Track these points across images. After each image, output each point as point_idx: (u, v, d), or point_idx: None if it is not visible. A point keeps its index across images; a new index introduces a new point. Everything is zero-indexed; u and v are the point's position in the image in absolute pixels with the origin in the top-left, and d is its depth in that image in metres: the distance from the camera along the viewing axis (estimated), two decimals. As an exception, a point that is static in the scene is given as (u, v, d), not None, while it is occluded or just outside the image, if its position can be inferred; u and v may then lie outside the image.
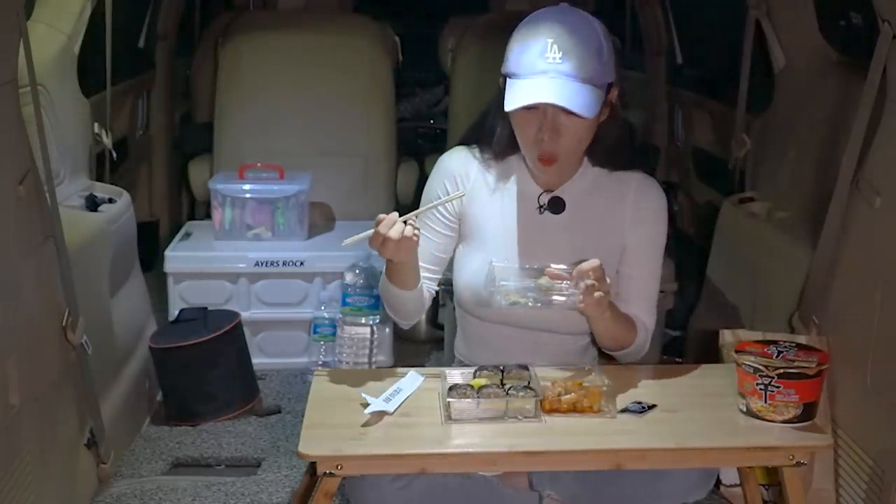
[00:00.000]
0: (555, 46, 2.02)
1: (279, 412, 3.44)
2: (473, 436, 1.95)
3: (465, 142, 2.30)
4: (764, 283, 3.10)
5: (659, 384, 2.16)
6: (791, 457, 1.94)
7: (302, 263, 3.76)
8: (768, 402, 1.97)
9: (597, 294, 2.01)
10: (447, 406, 1.98)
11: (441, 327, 3.54)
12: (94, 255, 2.98)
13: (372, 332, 3.62)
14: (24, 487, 2.26)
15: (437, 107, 6.06)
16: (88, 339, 2.66)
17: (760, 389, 1.97)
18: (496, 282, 2.05)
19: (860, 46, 2.93)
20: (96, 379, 2.76)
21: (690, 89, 4.55)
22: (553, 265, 2.05)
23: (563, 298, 2.03)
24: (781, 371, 1.96)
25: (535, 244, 2.21)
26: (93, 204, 3.20)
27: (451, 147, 2.33)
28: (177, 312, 3.57)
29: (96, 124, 3.49)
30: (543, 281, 2.03)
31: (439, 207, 2.24)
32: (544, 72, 2.02)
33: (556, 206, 2.22)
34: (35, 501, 2.31)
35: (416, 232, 2.03)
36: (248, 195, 3.86)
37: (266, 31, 4.49)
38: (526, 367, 2.12)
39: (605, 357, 2.34)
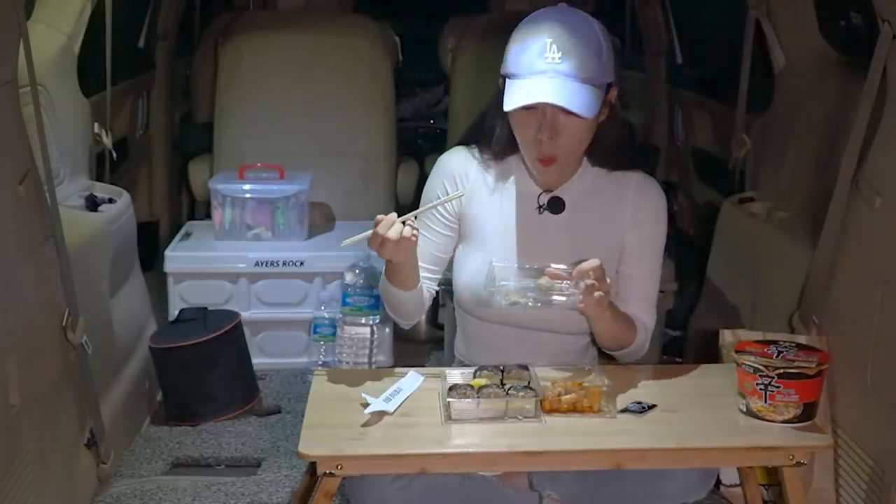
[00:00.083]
0: (554, 46, 2.02)
1: (279, 412, 3.44)
2: (473, 436, 1.95)
3: (465, 142, 2.30)
4: (764, 283, 3.10)
5: (659, 384, 2.16)
6: (791, 457, 1.94)
7: (302, 263, 3.76)
8: (768, 402, 1.97)
9: (597, 294, 2.01)
10: (447, 406, 1.98)
11: (441, 327, 3.54)
12: (94, 255, 2.98)
13: (372, 332, 3.62)
14: (24, 487, 2.26)
15: (437, 107, 6.06)
16: (88, 339, 2.66)
17: (760, 389, 1.97)
18: (496, 282, 2.05)
19: (860, 46, 2.93)
20: (96, 379, 2.76)
21: (690, 89, 4.55)
22: (553, 265, 2.05)
23: (563, 298, 2.03)
24: (781, 371, 1.96)
25: (534, 244, 2.21)
26: (93, 204, 3.20)
27: (451, 147, 2.33)
28: (177, 312, 3.57)
29: (96, 124, 3.49)
30: (543, 281, 2.03)
31: (438, 207, 2.24)
32: (543, 72, 2.02)
33: (556, 206, 2.22)
34: (35, 501, 2.31)
35: (414, 232, 2.02)
36: (248, 195, 3.86)
37: (266, 31, 4.49)
38: (526, 367, 2.12)
39: (605, 357, 2.34)
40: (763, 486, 2.53)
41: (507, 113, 2.08)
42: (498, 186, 2.25)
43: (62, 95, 3.21)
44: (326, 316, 3.68)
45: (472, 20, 4.88)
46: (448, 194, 2.22)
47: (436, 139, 5.58)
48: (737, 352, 2.04)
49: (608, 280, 2.05)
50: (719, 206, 3.58)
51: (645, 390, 2.11)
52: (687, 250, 4.04)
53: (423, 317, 2.61)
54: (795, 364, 1.97)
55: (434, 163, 2.32)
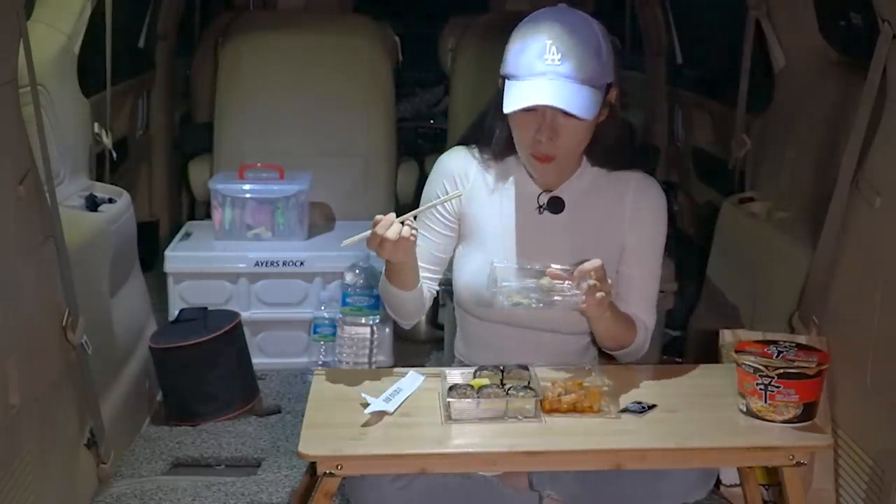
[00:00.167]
0: (553, 48, 2.02)
1: (279, 412, 3.44)
2: (473, 436, 1.95)
3: (464, 142, 2.30)
4: (764, 283, 3.10)
5: (659, 384, 2.16)
6: (791, 457, 1.94)
7: (302, 263, 3.76)
8: (768, 402, 1.97)
9: (598, 294, 2.01)
10: (447, 406, 1.98)
11: (441, 327, 3.54)
12: (94, 255, 2.98)
13: (372, 332, 3.62)
14: (24, 487, 2.26)
15: (437, 107, 6.06)
16: (88, 339, 2.66)
17: (760, 389, 1.97)
18: (498, 282, 2.05)
19: (860, 46, 2.93)
20: (96, 379, 2.76)
21: (690, 89, 4.55)
22: (553, 265, 2.05)
23: (565, 298, 2.02)
24: (781, 371, 1.96)
25: (534, 244, 2.21)
26: (93, 204, 3.20)
27: (451, 147, 2.33)
28: (177, 312, 3.57)
29: (96, 124, 3.49)
30: (545, 281, 2.02)
31: (438, 207, 2.24)
32: (543, 73, 2.02)
33: (556, 206, 2.22)
34: (35, 501, 2.31)
35: (413, 232, 2.02)
36: (248, 195, 3.86)
37: (266, 31, 4.49)
38: (526, 367, 2.12)
39: (605, 357, 2.34)
40: (763, 486, 2.53)
41: (506, 114, 2.08)
42: (498, 186, 2.25)
43: (62, 95, 3.21)
44: (326, 316, 3.68)
45: (472, 20, 4.88)
46: (448, 194, 2.22)
47: (436, 139, 5.58)
48: (737, 352, 2.04)
49: (609, 280, 2.05)
50: (719, 206, 3.58)
51: (645, 390, 2.12)
52: (687, 250, 4.04)
53: (423, 317, 2.61)
54: (795, 364, 1.97)
55: (434, 163, 2.32)
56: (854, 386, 2.45)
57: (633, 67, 4.74)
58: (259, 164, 3.98)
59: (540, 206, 2.23)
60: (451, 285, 2.31)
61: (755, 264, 3.18)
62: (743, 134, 3.59)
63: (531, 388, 2.01)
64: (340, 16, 5.00)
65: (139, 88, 4.46)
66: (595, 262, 2.01)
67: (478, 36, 4.67)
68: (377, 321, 3.63)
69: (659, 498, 2.09)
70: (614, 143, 2.20)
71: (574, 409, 2.00)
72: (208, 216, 4.04)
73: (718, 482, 2.70)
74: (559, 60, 2.01)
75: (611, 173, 2.24)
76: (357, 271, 3.61)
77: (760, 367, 1.96)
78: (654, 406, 2.03)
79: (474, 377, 2.09)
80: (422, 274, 2.22)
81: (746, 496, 2.30)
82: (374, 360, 3.64)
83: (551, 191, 2.23)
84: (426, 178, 2.32)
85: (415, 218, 2.07)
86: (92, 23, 3.40)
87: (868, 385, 2.39)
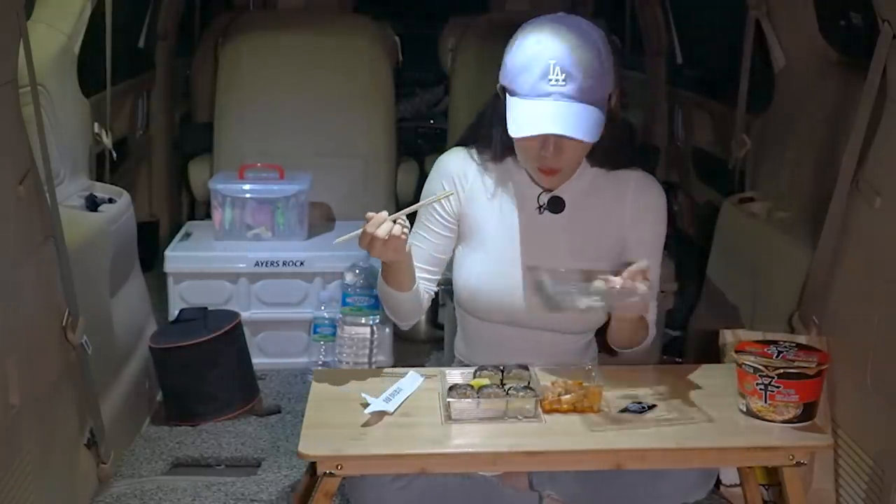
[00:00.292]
0: (557, 68, 2.01)
1: (279, 412, 3.44)
2: (473, 436, 1.95)
3: (463, 142, 2.30)
4: (764, 283, 3.10)
5: (659, 384, 2.16)
6: (791, 457, 1.94)
7: (302, 263, 3.76)
8: (768, 402, 1.97)
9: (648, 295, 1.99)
10: (447, 406, 1.98)
11: (441, 327, 3.54)
12: (94, 255, 2.98)
13: (372, 332, 3.62)
14: (24, 487, 2.26)
15: (437, 107, 6.06)
16: (88, 339, 2.66)
17: (760, 389, 1.97)
18: (553, 287, 2.01)
19: (860, 46, 2.93)
20: (96, 379, 2.76)
21: (690, 89, 4.55)
22: (594, 268, 1.99)
23: (635, 299, 1.96)
24: (781, 371, 1.96)
25: (534, 244, 2.21)
26: (93, 204, 3.20)
27: (451, 147, 2.33)
28: (177, 312, 3.57)
29: (96, 124, 3.49)
30: (599, 284, 1.96)
31: (437, 208, 2.24)
32: (548, 94, 2.01)
33: (556, 205, 2.22)
34: (35, 501, 2.31)
35: (404, 231, 2.02)
36: (248, 195, 3.86)
37: (266, 31, 4.49)
38: (526, 367, 2.12)
39: (606, 356, 2.34)
40: (763, 486, 2.53)
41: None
42: (497, 187, 2.24)
43: (62, 95, 3.21)
44: (326, 316, 3.68)
45: (472, 20, 4.88)
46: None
47: (436, 139, 5.58)
48: (737, 352, 2.04)
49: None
50: (719, 206, 3.58)
51: (645, 390, 2.11)
52: (687, 250, 4.04)
53: (423, 317, 2.61)
54: (795, 364, 1.97)
55: (434, 163, 2.32)
56: (854, 386, 2.45)
57: (633, 67, 4.74)
58: (259, 164, 3.98)
59: (540, 206, 2.23)
60: (451, 285, 2.31)
61: (755, 264, 3.18)
62: (743, 134, 3.59)
63: (531, 388, 2.01)
64: (340, 16, 5.00)
65: (139, 88, 4.46)
66: (642, 264, 1.97)
67: (478, 36, 4.67)
68: (377, 321, 3.63)
69: (659, 498, 2.09)
70: (614, 143, 2.19)
71: (574, 409, 2.00)
72: (208, 216, 4.04)
73: (718, 482, 2.70)
74: (563, 81, 2.01)
75: (610, 172, 2.24)
76: (357, 271, 3.61)
77: (760, 367, 1.96)
78: (654, 406, 2.03)
79: (474, 377, 2.09)
80: (420, 275, 2.22)
81: (746, 496, 2.30)
82: (374, 360, 3.64)
83: (551, 191, 2.23)
84: (426, 178, 2.32)
85: (406, 216, 2.06)
86: (92, 23, 3.40)
87: (868, 385, 2.39)
